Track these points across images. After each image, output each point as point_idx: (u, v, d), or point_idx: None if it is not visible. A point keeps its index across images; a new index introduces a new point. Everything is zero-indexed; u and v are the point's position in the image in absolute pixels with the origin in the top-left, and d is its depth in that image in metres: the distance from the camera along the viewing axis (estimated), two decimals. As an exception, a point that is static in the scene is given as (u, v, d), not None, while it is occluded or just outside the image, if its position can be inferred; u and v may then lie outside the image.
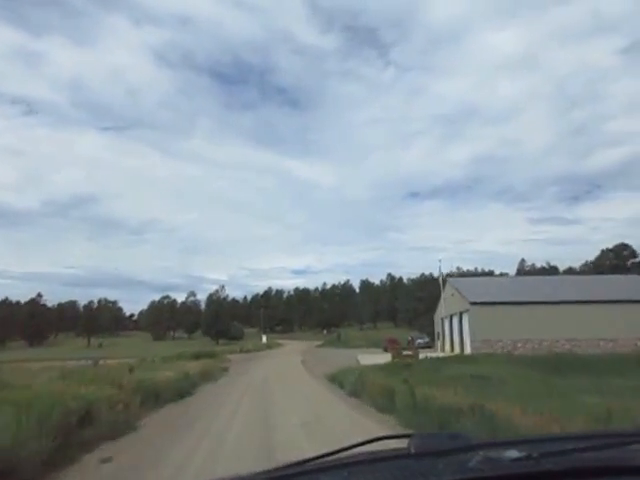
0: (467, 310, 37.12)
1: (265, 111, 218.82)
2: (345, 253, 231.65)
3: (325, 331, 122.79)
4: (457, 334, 40.84)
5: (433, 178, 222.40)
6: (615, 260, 77.68)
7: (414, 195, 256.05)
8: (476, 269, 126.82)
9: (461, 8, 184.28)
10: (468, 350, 36.60)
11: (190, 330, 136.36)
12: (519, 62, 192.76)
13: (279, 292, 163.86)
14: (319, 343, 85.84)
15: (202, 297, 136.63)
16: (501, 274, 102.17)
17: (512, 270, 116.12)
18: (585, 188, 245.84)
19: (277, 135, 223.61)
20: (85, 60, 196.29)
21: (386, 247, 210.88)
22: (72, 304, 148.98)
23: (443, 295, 44.36)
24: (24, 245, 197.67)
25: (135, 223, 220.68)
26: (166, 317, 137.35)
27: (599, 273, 62.16)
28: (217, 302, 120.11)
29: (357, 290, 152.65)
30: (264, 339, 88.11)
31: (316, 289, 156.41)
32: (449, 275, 54.93)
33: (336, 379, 20.86)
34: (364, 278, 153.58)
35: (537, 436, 2.53)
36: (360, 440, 1.42)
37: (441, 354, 36.73)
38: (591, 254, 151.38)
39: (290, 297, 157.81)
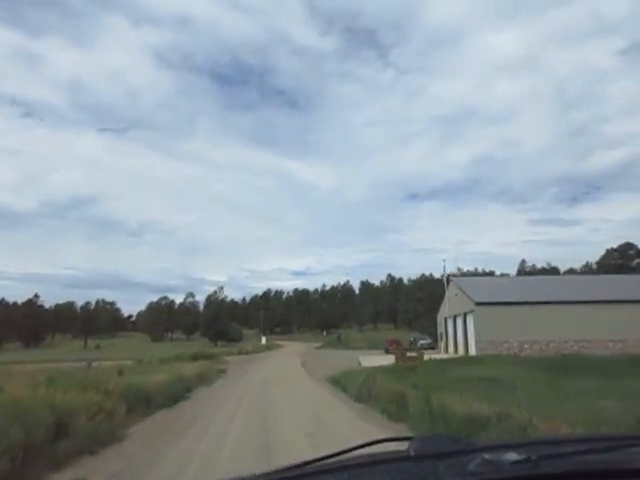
0: (472, 310, 36.11)
1: (265, 112, 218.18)
2: (344, 254, 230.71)
3: (325, 332, 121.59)
4: (461, 335, 39.82)
5: (432, 179, 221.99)
6: (620, 260, 76.70)
7: (413, 196, 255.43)
8: (476, 269, 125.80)
9: (460, 10, 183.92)
10: (473, 351, 35.61)
11: (188, 331, 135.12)
12: (518, 63, 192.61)
13: (278, 293, 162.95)
14: (319, 344, 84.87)
15: (201, 298, 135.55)
16: (501, 275, 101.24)
17: (512, 271, 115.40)
18: (584, 189, 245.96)
19: (276, 136, 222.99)
20: (84, 61, 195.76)
21: (385, 248, 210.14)
22: (70, 305, 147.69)
23: (447, 295, 43.35)
24: (22, 246, 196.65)
25: (134, 224, 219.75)
26: (164, 318, 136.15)
27: (604, 273, 61.23)
28: (216, 303, 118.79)
29: (357, 291, 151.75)
30: (263, 340, 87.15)
31: (316, 290, 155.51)
32: (452, 275, 53.86)
33: (339, 382, 19.92)
34: (363, 279, 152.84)
35: (537, 439, 2.36)
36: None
37: (445, 355, 35.75)
38: (591, 255, 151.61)
39: (289, 298, 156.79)
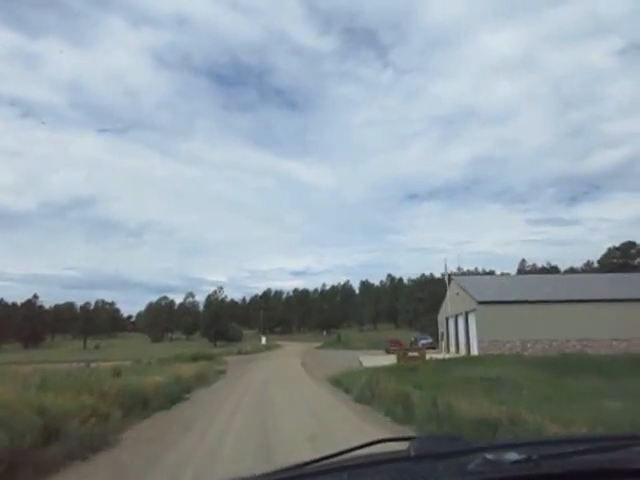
0: (474, 309, 35.76)
1: (263, 112, 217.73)
2: (344, 254, 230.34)
3: (325, 332, 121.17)
4: (463, 334, 39.48)
5: (431, 179, 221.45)
6: (622, 258, 76.35)
7: (412, 196, 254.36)
8: (476, 269, 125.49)
9: (459, 10, 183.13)
10: (475, 351, 35.27)
11: (188, 331, 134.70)
12: (517, 63, 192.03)
13: (278, 293, 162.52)
14: (319, 344, 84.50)
15: (201, 298, 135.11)
16: (502, 274, 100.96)
17: (512, 271, 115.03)
18: (583, 189, 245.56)
19: (275, 136, 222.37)
20: (83, 61, 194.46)
21: (385, 248, 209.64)
22: (69, 306, 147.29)
23: (448, 294, 42.97)
24: (22, 247, 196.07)
25: (134, 225, 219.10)
26: (164, 318, 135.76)
27: (606, 271, 60.86)
28: (216, 303, 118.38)
29: (357, 291, 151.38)
30: (263, 340, 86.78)
31: (315, 290, 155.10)
32: (453, 274, 53.47)
33: (340, 383, 19.58)
34: (363, 279, 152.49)
35: (537, 439, 2.28)
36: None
37: (446, 355, 35.35)
38: (590, 254, 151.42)
39: (289, 298, 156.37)
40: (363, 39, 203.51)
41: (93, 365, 31.01)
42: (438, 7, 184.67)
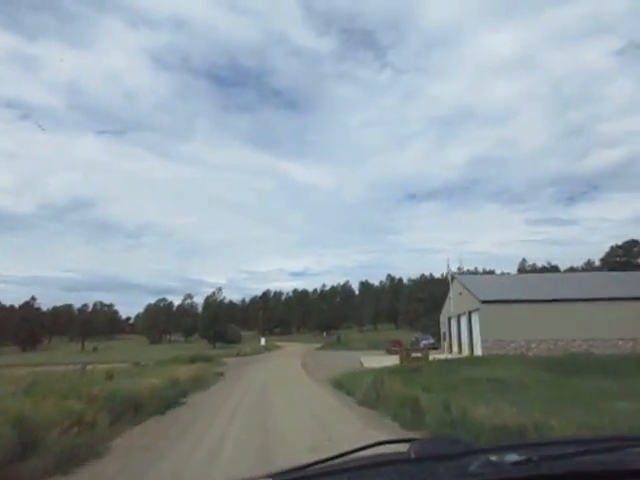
0: (477, 309, 35.10)
1: (262, 113, 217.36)
2: (343, 255, 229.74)
3: (325, 333, 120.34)
4: (466, 334, 38.82)
5: (430, 180, 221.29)
6: (625, 257, 75.76)
7: (411, 197, 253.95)
8: (476, 269, 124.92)
9: (457, 10, 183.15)
10: (478, 351, 34.61)
11: (187, 333, 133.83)
12: (515, 63, 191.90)
13: (277, 294, 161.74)
14: (319, 345, 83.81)
15: (199, 300, 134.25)
16: (502, 274, 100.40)
17: (512, 271, 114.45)
18: (582, 189, 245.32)
19: (274, 137, 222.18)
20: (82, 63, 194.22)
21: (384, 249, 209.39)
22: (67, 308, 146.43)
23: (450, 294, 42.33)
24: (21, 249, 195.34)
25: (132, 226, 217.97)
26: (162, 320, 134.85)
27: (610, 270, 60.23)
28: (214, 305, 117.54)
29: (356, 292, 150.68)
30: (262, 342, 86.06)
31: (315, 291, 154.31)
32: (455, 273, 52.80)
33: (342, 385, 18.92)
34: (362, 280, 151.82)
35: (537, 440, 2.26)
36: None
37: (449, 356, 34.74)
38: (589, 254, 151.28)
39: (289, 299, 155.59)
40: (361, 40, 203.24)
41: (89, 368, 30.38)
42: (436, 8, 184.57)
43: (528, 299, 34.35)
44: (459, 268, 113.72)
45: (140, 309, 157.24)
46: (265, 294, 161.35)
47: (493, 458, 1.19)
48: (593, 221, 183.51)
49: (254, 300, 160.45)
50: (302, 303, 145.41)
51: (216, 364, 37.53)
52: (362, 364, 30.68)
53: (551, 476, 1.13)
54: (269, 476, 1.26)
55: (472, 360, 28.67)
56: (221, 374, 28.34)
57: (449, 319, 44.02)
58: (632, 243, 76.28)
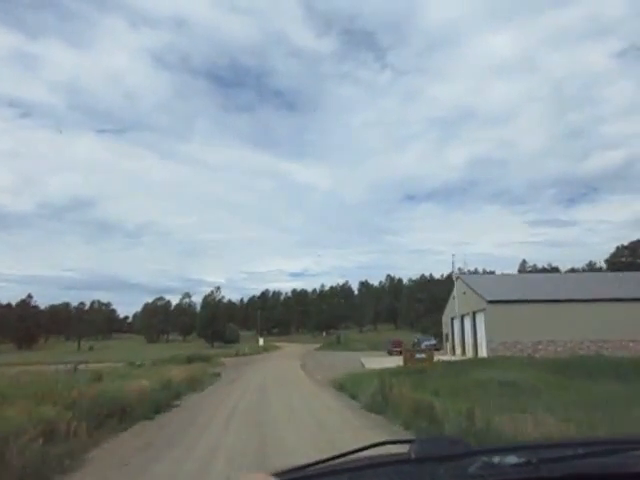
0: (483, 309, 34.10)
1: (262, 114, 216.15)
2: (342, 256, 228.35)
3: (324, 333, 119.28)
4: (470, 335, 37.81)
5: (430, 181, 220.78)
6: (630, 257, 74.97)
7: (411, 198, 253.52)
8: (476, 270, 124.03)
9: (458, 11, 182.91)
10: (483, 353, 33.63)
11: (185, 333, 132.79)
12: (515, 65, 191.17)
13: (276, 294, 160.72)
14: (318, 346, 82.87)
15: (198, 299, 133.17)
16: (502, 274, 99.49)
17: (513, 272, 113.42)
18: (582, 190, 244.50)
19: (274, 138, 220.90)
20: (82, 63, 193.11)
21: (383, 250, 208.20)
22: (64, 306, 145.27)
23: (454, 294, 41.34)
24: (20, 248, 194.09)
25: (132, 226, 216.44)
26: (160, 319, 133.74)
27: (615, 270, 59.30)
28: (213, 304, 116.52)
29: (355, 292, 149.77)
30: (261, 342, 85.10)
31: (314, 291, 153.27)
32: (460, 273, 51.80)
33: (344, 387, 17.96)
34: (361, 280, 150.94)
35: (537, 442, 2.18)
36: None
37: (452, 357, 33.77)
38: (589, 256, 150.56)
39: (288, 299, 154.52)
40: (362, 41, 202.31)
41: (81, 367, 29.36)
42: (437, 9, 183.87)
43: (536, 299, 33.39)
44: (459, 269, 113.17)
45: (139, 308, 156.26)
46: (264, 294, 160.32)
47: (493, 460, 1.17)
48: (593, 223, 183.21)
49: (253, 300, 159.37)
50: (301, 303, 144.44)
51: (213, 364, 36.67)
52: (363, 365, 29.86)
53: (550, 478, 1.14)
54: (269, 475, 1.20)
55: (478, 362, 27.73)
56: (218, 374, 27.42)
57: (452, 320, 43.03)
58: (638, 244, 75.60)
